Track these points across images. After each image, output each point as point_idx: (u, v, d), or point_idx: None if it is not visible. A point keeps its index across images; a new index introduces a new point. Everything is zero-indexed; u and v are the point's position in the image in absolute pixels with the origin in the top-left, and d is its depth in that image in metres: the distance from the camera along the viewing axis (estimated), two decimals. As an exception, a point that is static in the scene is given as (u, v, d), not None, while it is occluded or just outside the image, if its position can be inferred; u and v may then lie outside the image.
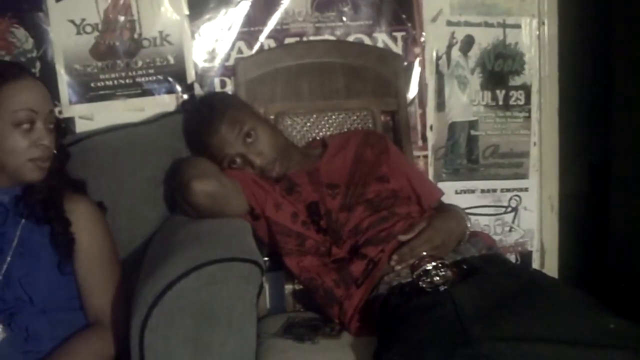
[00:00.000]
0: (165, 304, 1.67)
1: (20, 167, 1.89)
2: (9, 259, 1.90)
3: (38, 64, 2.54)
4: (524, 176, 2.87)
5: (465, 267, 1.93)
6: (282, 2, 2.64)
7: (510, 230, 2.89)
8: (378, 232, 2.06)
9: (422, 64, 2.75)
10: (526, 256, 2.91)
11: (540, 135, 2.85)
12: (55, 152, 1.98)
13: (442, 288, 1.85)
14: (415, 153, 2.74)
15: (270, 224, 2.14)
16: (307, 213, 2.14)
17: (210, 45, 2.62)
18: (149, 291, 1.69)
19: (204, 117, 2.26)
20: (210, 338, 1.70)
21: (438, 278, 1.88)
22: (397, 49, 2.72)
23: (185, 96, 2.61)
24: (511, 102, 2.82)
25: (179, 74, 2.61)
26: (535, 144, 2.85)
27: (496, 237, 2.73)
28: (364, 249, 2.04)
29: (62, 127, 2.18)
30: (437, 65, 2.76)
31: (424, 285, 1.88)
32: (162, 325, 1.67)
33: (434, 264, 1.91)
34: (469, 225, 2.13)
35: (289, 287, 2.30)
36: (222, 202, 2.04)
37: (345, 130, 2.54)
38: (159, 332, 1.67)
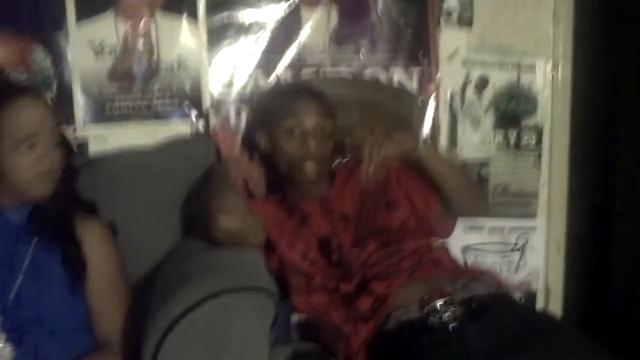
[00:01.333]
0: (179, 332, 1.67)
1: (29, 183, 1.90)
2: (20, 278, 1.90)
3: (55, 84, 2.54)
4: (532, 216, 2.88)
5: (474, 305, 1.94)
6: (300, 34, 2.66)
7: (516, 270, 2.89)
8: (386, 267, 2.07)
9: (437, 102, 2.76)
10: (530, 296, 2.91)
11: (550, 176, 2.87)
12: (62, 169, 1.99)
13: (451, 325, 1.86)
14: (426, 190, 2.73)
15: (283, 262, 2.15)
16: (317, 248, 2.14)
17: (227, 74, 2.63)
18: (162, 318, 1.69)
19: (312, 86, 2.38)
20: (223, 368, 1.70)
21: (447, 315, 1.89)
22: (413, 85, 2.73)
23: (200, 124, 2.61)
24: (523, 143, 2.84)
25: (195, 101, 2.61)
26: (544, 184, 2.87)
27: (502, 276, 2.73)
28: (372, 285, 2.04)
29: (69, 145, 2.17)
30: (451, 104, 2.78)
31: (433, 322, 1.89)
32: (175, 352, 1.67)
33: (443, 300, 1.92)
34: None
35: (295, 317, 2.30)
36: (242, 239, 2.03)
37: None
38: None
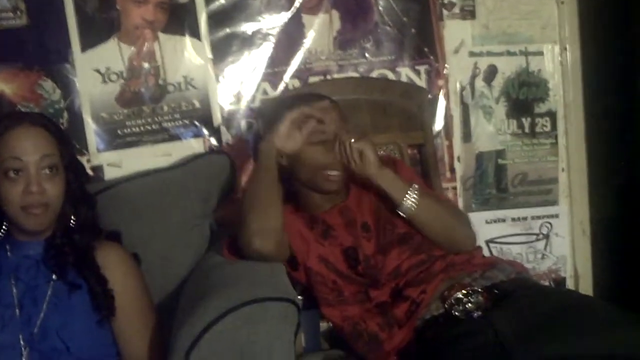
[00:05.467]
0: (203, 347, 1.66)
1: (16, 216, 1.90)
2: (44, 310, 1.90)
3: (66, 114, 2.56)
4: (553, 203, 2.86)
5: (496, 291, 1.93)
6: (304, 41, 2.66)
7: (542, 258, 2.87)
8: (418, 274, 2.03)
9: (447, 96, 2.76)
10: (560, 283, 2.89)
11: (568, 160, 2.85)
12: (79, 197, 2.00)
13: (475, 314, 1.87)
14: (444, 185, 2.73)
15: (310, 275, 2.11)
16: (343, 258, 2.11)
17: (235, 88, 2.64)
18: (185, 335, 1.69)
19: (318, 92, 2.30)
20: (250, 379, 1.69)
21: (470, 305, 1.89)
22: (421, 82, 2.73)
23: (213, 140, 2.62)
24: (537, 129, 2.82)
25: (205, 117, 2.63)
26: (563, 169, 2.85)
27: (529, 265, 2.71)
28: (406, 291, 2.02)
29: (82, 173, 2.16)
30: (462, 96, 2.77)
31: (457, 314, 1.88)
32: (201, 368, 1.66)
33: (464, 291, 1.92)
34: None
35: (324, 325, 2.29)
36: (271, 259, 2.01)
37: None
38: (197, 376, 1.66)
